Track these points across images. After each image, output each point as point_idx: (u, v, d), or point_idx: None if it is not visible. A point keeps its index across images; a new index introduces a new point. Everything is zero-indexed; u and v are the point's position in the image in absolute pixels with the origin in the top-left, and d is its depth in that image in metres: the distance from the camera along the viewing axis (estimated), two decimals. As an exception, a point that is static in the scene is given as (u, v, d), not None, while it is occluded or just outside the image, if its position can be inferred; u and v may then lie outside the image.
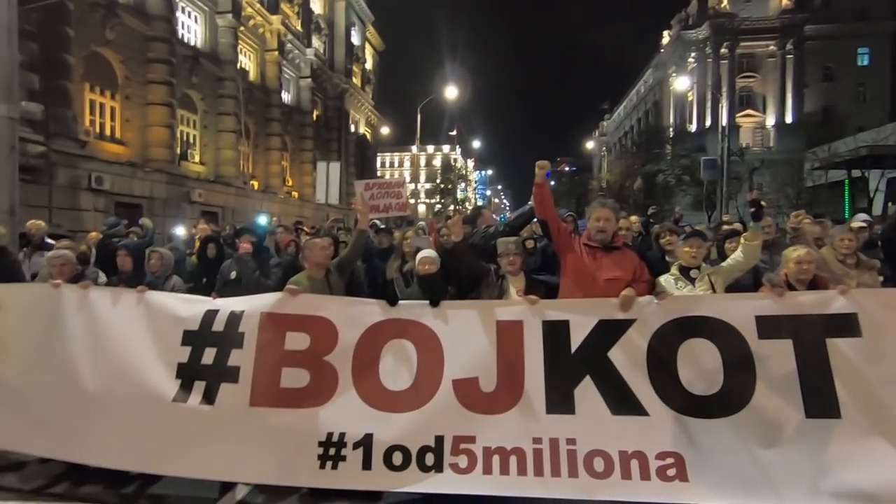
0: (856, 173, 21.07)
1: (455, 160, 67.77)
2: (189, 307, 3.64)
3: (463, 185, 66.47)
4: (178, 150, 19.35)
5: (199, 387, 3.38)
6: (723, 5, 45.46)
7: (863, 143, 21.30)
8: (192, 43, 20.88)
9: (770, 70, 45.83)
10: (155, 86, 17.68)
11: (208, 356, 3.43)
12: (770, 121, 45.86)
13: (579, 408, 3.21)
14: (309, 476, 3.26)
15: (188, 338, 3.50)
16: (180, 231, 10.42)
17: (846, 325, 3.13)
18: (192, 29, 21.11)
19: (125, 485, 3.53)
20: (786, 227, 5.29)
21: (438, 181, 60.92)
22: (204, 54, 21.06)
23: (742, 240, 3.72)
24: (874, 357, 3.07)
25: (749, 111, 46.03)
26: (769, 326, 3.19)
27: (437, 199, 59.79)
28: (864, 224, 5.43)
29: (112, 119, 16.74)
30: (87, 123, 15.48)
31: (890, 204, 19.89)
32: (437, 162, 76.71)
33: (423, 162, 76.57)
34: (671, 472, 3.05)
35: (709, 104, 45.26)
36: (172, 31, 18.47)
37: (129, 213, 15.56)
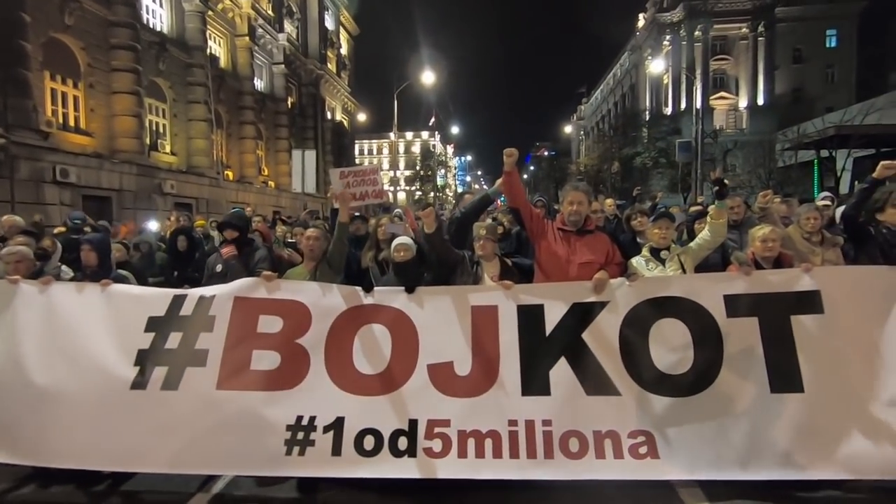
0: (824, 153, 21.59)
1: (434, 146, 67.31)
2: (156, 295, 3.57)
3: (443, 171, 66.16)
4: (148, 141, 18.73)
5: (161, 372, 3.26)
6: (696, -13, 45.81)
7: (830, 124, 21.77)
8: (158, 28, 20.09)
9: (742, 52, 46.45)
10: (120, 73, 17.00)
11: (173, 341, 3.35)
12: (742, 103, 46.61)
13: (554, 389, 3.24)
14: (271, 464, 3.13)
15: (152, 324, 3.40)
16: (153, 225, 10.13)
17: (810, 302, 3.23)
18: (157, 13, 20.31)
19: (96, 483, 3.44)
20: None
21: (418, 168, 60.48)
22: (171, 40, 20.32)
23: (708, 218, 3.78)
24: (834, 333, 3.18)
25: (722, 93, 46.70)
26: (737, 305, 3.27)
27: (418, 186, 59.44)
28: (828, 202, 5.57)
29: (76, 109, 16.05)
30: (49, 114, 14.82)
31: (856, 183, 20.46)
32: (417, 148, 76.12)
33: (401, 149, 75.85)
34: (643, 449, 3.12)
35: (683, 87, 45.71)
36: (136, 16, 17.75)
37: (97, 207, 15.12)
